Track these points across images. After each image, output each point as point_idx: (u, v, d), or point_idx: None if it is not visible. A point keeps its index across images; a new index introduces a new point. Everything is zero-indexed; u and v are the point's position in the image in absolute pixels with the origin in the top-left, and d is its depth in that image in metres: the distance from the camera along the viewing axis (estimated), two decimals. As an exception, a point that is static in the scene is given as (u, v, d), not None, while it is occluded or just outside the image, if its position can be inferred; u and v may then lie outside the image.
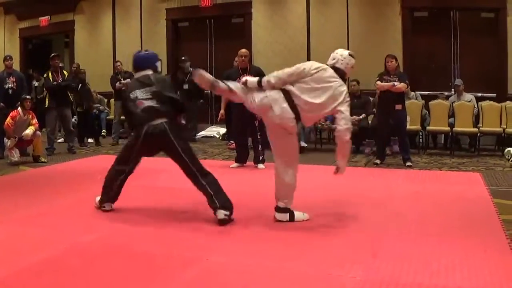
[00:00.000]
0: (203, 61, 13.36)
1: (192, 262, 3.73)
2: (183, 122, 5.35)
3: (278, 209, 4.74)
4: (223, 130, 12.12)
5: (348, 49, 11.22)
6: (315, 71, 4.58)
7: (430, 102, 10.05)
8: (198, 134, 12.39)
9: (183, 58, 11.73)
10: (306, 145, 9.71)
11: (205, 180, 4.79)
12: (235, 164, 7.88)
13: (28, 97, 8.90)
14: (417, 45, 11.39)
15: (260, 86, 4.66)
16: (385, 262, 3.65)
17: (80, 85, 11.06)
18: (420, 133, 10.06)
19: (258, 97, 4.66)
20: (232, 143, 9.41)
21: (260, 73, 6.51)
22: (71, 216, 5.07)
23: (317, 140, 10.33)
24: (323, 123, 10.14)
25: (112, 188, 5.11)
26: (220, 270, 3.58)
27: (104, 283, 3.37)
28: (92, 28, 14.70)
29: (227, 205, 4.71)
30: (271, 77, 4.64)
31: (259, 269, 3.55)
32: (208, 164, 8.52)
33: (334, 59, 4.76)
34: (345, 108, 4.56)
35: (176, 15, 13.71)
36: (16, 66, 11.41)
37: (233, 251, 4.00)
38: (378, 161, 8.30)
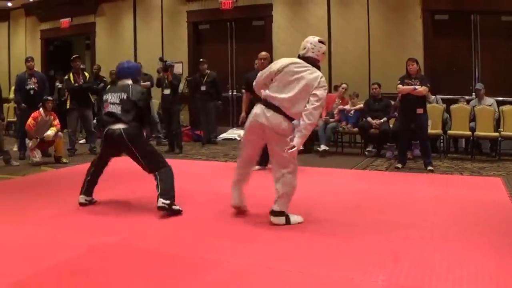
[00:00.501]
0: (224, 64, 13.44)
1: (213, 264, 3.73)
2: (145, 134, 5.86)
3: (274, 213, 4.74)
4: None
5: (369, 52, 11.45)
6: (284, 66, 4.62)
7: (451, 106, 9.96)
8: (219, 136, 12.40)
9: (201, 60, 11.78)
10: (327, 148, 9.68)
11: (156, 178, 5.13)
12: (256, 167, 7.85)
13: (50, 98, 8.99)
14: (438, 48, 11.30)
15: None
16: (407, 267, 3.62)
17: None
18: (441, 137, 10.00)
19: (247, 122, 4.86)
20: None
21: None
22: (92, 217, 5.11)
23: (337, 143, 10.28)
24: (344, 126, 10.10)
25: (84, 180, 5.56)
26: (242, 273, 3.58)
27: (124, 285, 3.38)
28: (113, 30, 14.82)
29: (165, 192, 5.02)
30: (253, 84, 4.90)
31: (281, 273, 3.54)
32: (229, 166, 8.61)
33: (304, 48, 4.75)
34: (320, 92, 4.54)
35: (197, 17, 13.76)
36: (37, 67, 11.56)
37: (254, 254, 3.98)
38: (399, 165, 8.26)
